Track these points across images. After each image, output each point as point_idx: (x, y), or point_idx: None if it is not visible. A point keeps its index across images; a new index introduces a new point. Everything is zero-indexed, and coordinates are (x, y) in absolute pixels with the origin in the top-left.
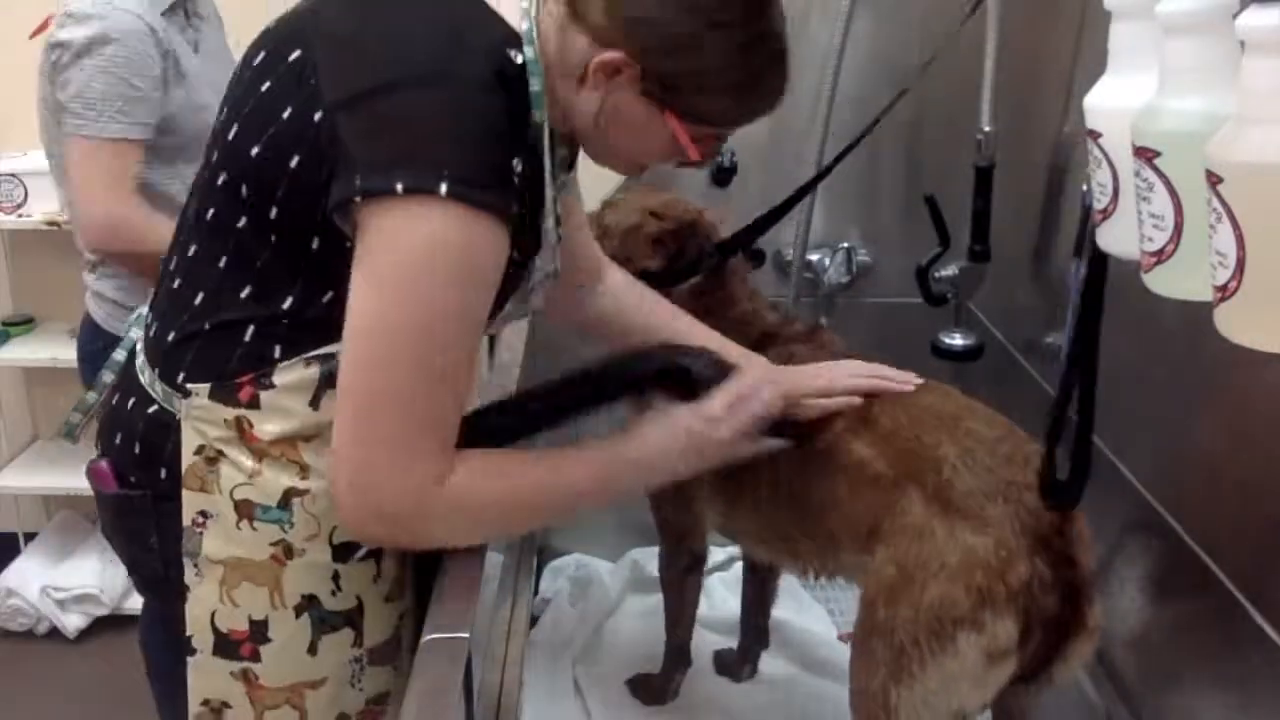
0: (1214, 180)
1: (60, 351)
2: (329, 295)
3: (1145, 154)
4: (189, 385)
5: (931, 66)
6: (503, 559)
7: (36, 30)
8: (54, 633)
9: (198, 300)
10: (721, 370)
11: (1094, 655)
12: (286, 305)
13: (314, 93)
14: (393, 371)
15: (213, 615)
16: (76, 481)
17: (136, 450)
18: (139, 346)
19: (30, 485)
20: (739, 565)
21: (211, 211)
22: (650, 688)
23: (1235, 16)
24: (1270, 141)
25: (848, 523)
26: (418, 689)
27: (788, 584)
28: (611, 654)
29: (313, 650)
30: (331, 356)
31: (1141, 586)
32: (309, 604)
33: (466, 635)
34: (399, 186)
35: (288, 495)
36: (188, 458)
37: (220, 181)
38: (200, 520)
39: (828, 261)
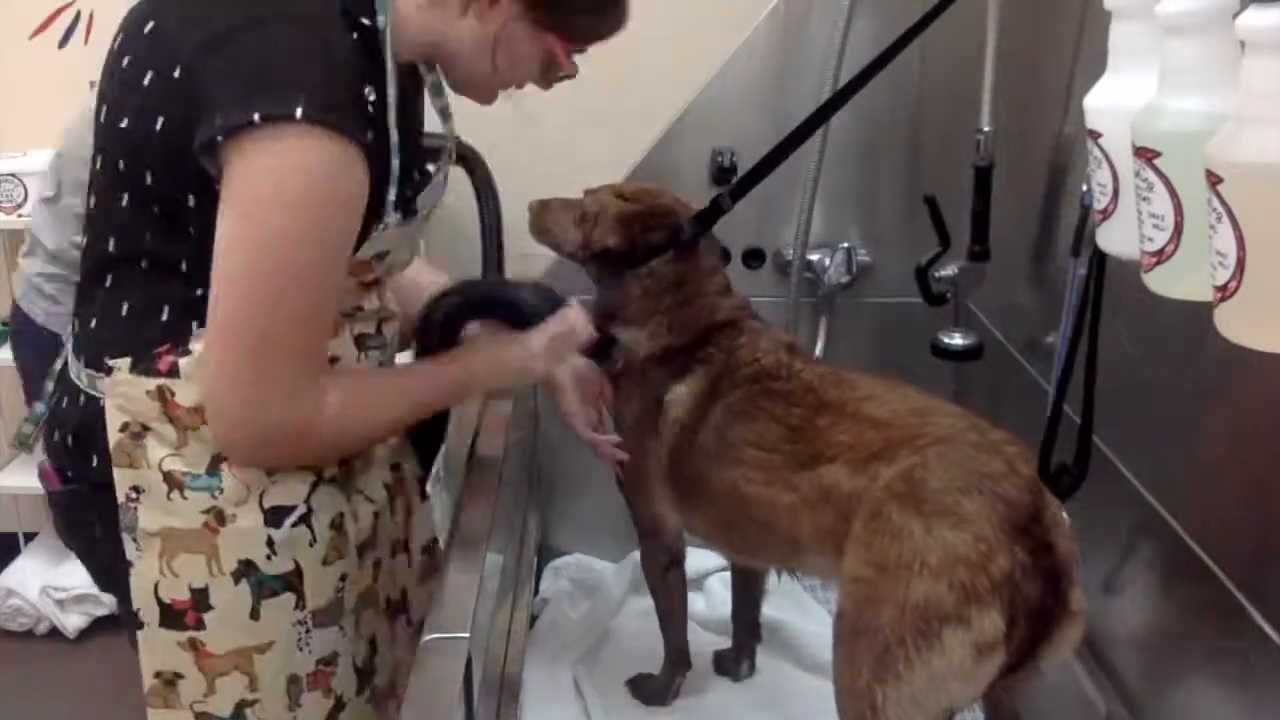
0: (1214, 180)
1: None
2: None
3: (1145, 154)
4: (110, 362)
5: (931, 67)
6: (502, 559)
7: (37, 30)
8: (54, 633)
9: (107, 285)
10: (549, 303)
11: (1090, 651)
12: (184, 268)
13: (171, 50)
14: (266, 303)
15: (155, 587)
16: None
17: (70, 443)
18: (68, 346)
19: (30, 485)
20: None
21: (94, 199)
22: (650, 689)
23: (1235, 16)
24: (1270, 141)
25: (811, 526)
26: (418, 689)
27: (788, 586)
28: (612, 654)
29: (255, 615)
30: None
31: (1141, 586)
32: (247, 569)
33: (467, 635)
34: (256, 116)
35: (215, 461)
36: (113, 435)
37: (99, 165)
38: (134, 495)
39: (828, 261)
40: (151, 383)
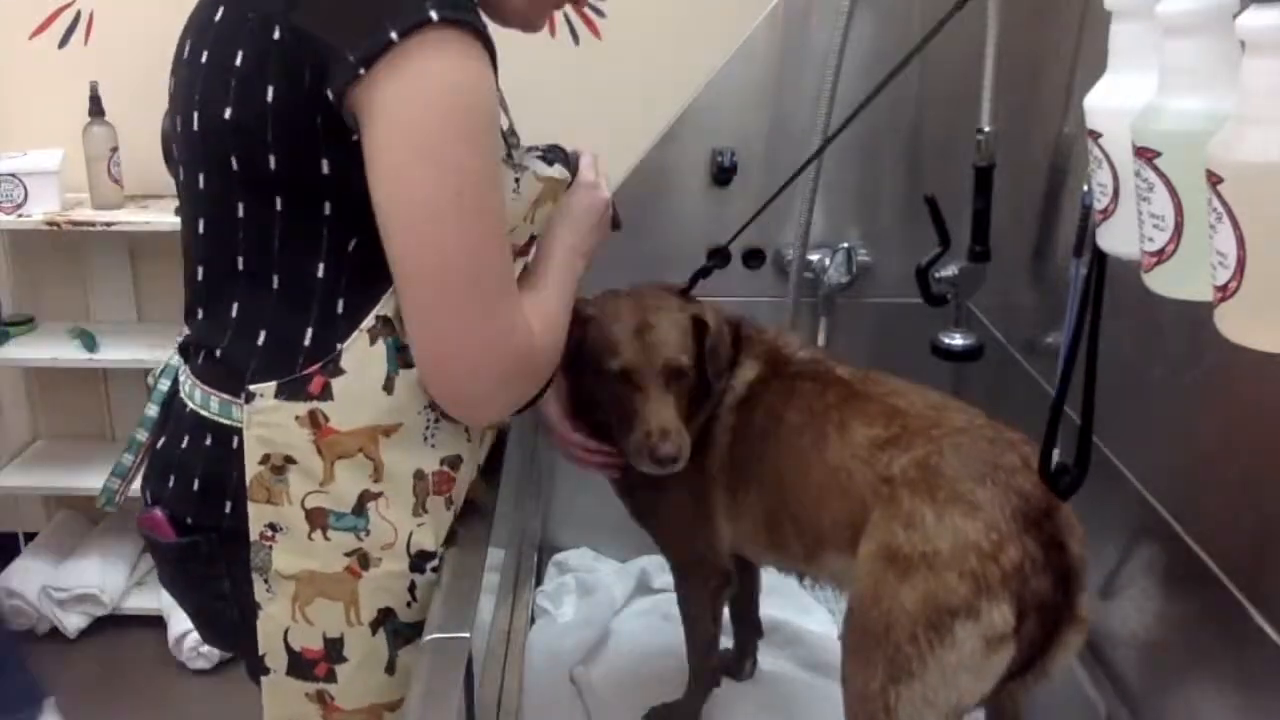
0: (1214, 180)
1: (60, 351)
2: (353, 241)
3: (1145, 154)
4: (252, 387)
5: (931, 67)
6: (503, 558)
7: (37, 30)
8: (54, 633)
9: (234, 312)
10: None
11: (1090, 651)
12: (320, 273)
13: (261, 17)
14: (463, 232)
15: (285, 633)
16: (76, 481)
17: (195, 488)
18: (183, 378)
19: (30, 485)
20: None
21: (202, 222)
22: (679, 714)
23: (1235, 16)
24: (1270, 141)
25: (836, 516)
26: (418, 689)
27: (789, 585)
28: (612, 654)
29: (390, 668)
30: (388, 322)
31: (1141, 586)
32: (385, 618)
33: (467, 635)
34: (393, 34)
35: (362, 500)
36: (252, 468)
37: (202, 182)
38: (269, 534)
39: (828, 261)
40: (302, 407)
